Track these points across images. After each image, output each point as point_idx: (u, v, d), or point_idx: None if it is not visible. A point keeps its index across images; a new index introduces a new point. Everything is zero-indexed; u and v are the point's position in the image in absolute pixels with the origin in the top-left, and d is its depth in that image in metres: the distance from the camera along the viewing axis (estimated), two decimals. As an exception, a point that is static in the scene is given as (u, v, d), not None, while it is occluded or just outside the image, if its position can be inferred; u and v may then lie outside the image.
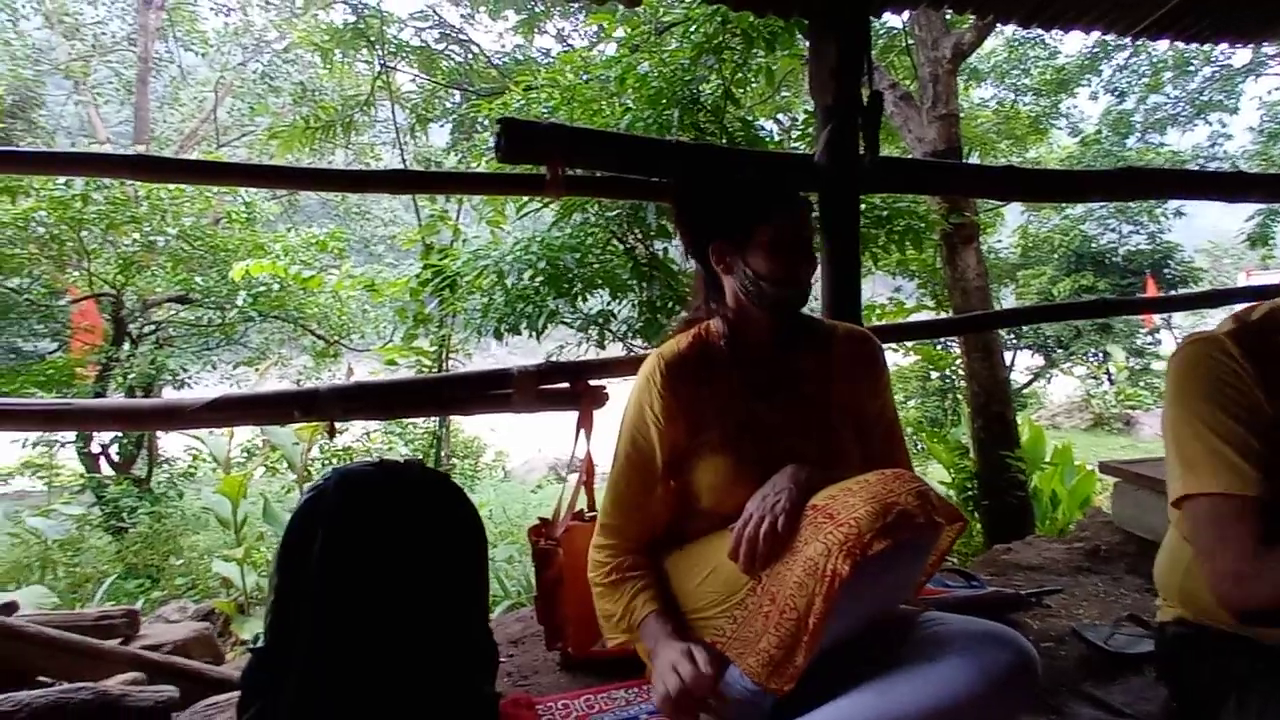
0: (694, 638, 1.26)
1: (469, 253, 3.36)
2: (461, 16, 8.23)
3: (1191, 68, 12.22)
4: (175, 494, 6.09)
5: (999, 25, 5.26)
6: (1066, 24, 2.51)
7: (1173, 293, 9.87)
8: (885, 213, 3.41)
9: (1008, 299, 10.96)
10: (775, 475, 1.24)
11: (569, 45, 8.52)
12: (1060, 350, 10.91)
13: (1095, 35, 2.75)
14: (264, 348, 7.76)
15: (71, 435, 5.74)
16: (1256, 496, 1.04)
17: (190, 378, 6.41)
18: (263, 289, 5.83)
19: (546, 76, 3.62)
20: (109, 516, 5.50)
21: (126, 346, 5.87)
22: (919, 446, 5.98)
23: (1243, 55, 12.00)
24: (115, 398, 5.48)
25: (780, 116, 5.94)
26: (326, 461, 5.78)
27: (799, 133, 3.89)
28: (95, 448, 5.91)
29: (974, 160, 7.58)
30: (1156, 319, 11.02)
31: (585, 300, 3.28)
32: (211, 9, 11.55)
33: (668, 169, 1.93)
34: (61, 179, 4.85)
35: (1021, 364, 10.91)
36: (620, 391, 1.73)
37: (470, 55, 7.87)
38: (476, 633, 1.26)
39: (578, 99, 3.24)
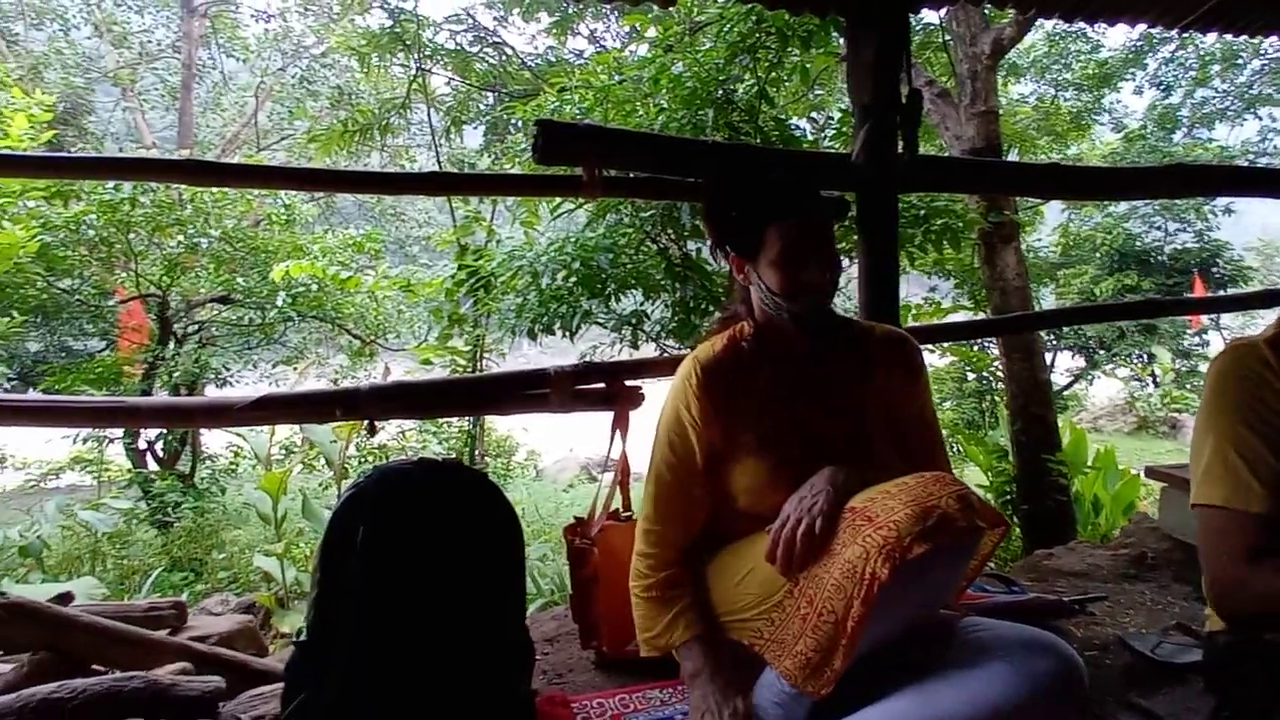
0: (736, 669, 1.27)
1: (504, 254, 3.39)
2: (495, 19, 8.29)
3: (1240, 60, 11.83)
4: (217, 490, 6.23)
5: (1040, 20, 5.16)
6: (1112, 17, 2.44)
7: (1221, 293, 9.59)
8: (922, 212, 3.36)
9: (1047, 299, 10.71)
10: (813, 477, 1.23)
11: (601, 46, 8.54)
12: (1102, 352, 10.64)
13: (1141, 28, 2.69)
14: (302, 347, 7.92)
15: (120, 431, 5.91)
16: (1259, 513, 1.09)
17: (232, 376, 6.55)
18: (301, 289, 5.94)
19: (580, 78, 3.64)
20: (155, 511, 5.65)
21: (171, 345, 6.03)
22: (956, 449, 5.88)
23: (1294, 47, 11.57)
24: (162, 396, 5.63)
25: (814, 115, 5.89)
26: (363, 459, 5.87)
27: (833, 131, 3.84)
28: (142, 444, 6.08)
29: (1013, 158, 7.44)
30: (1204, 319, 10.68)
31: (618, 300, 3.28)
32: (252, 16, 11.85)
33: (703, 169, 1.93)
34: (110, 183, 5.00)
35: (1061, 365, 10.67)
36: (656, 392, 1.73)
37: (503, 57, 7.93)
38: (513, 631, 1.28)
39: (611, 100, 3.25)
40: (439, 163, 7.42)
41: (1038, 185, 2.76)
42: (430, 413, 3.44)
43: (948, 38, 4.88)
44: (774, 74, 3.34)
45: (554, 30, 8.24)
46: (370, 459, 5.86)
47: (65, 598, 1.65)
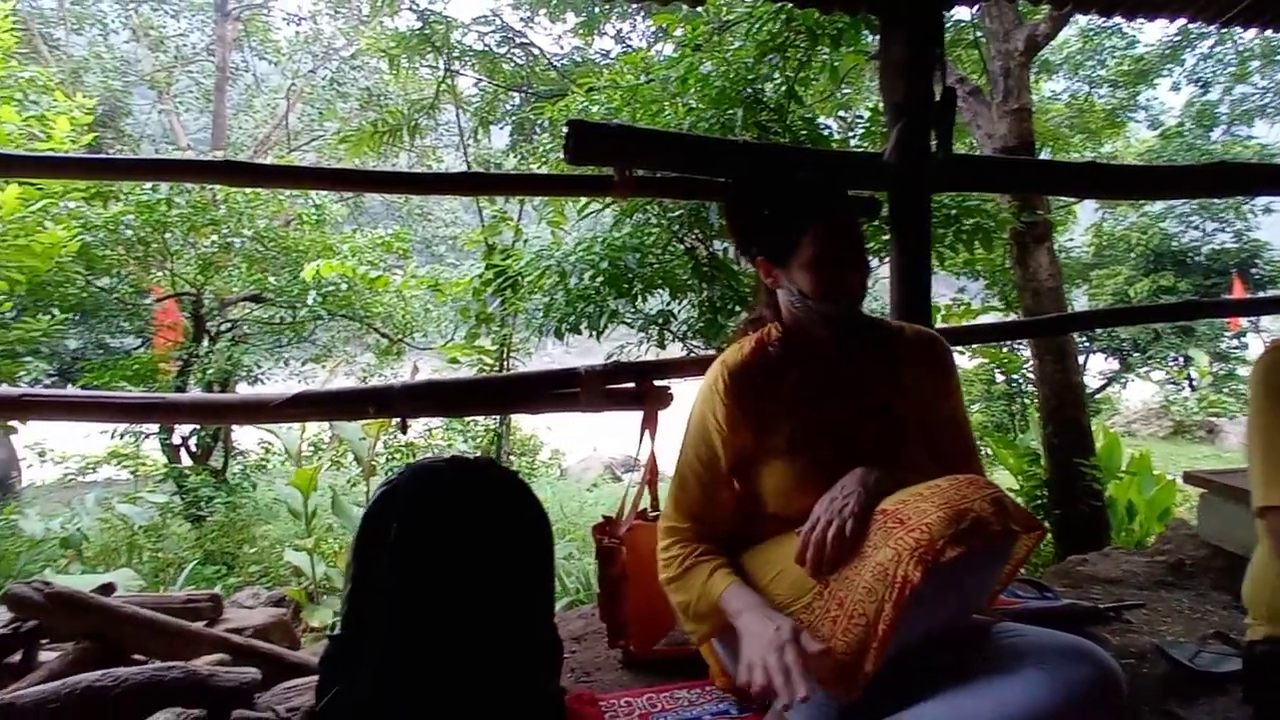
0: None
1: (532, 253, 3.40)
2: (521, 20, 8.34)
3: (1280, 57, 11.54)
4: (249, 485, 6.34)
5: (1075, 15, 5.07)
6: (1149, 12, 2.40)
7: (1261, 294, 9.35)
8: (954, 211, 3.32)
9: (1079, 300, 10.52)
10: (843, 478, 1.22)
11: (628, 46, 8.55)
12: (1136, 354, 10.43)
13: (1180, 23, 2.63)
14: (330, 345, 8.03)
15: (155, 427, 6.04)
16: None
17: (263, 374, 6.66)
18: (331, 288, 6.03)
19: (608, 78, 3.64)
20: (189, 505, 5.76)
21: (205, 343, 6.14)
22: (986, 452, 5.80)
23: (1339, 42, 11.26)
24: (196, 392, 5.75)
25: (841, 113, 5.84)
26: (390, 457, 5.94)
27: (862, 130, 3.80)
28: (176, 439, 6.20)
29: (1045, 156, 7.32)
30: (1243, 321, 10.42)
31: (645, 300, 3.28)
32: (284, 19, 12.04)
33: (732, 168, 1.92)
34: (147, 184, 5.11)
35: (1094, 368, 10.47)
36: (684, 392, 1.73)
37: (530, 58, 7.97)
38: (541, 628, 1.29)
39: (639, 100, 3.25)
40: (468, 163, 7.48)
41: (1074, 184, 2.71)
42: (460, 411, 3.47)
43: (979, 34, 4.81)
44: (803, 73, 3.32)
45: (580, 30, 8.26)
46: (398, 456, 5.92)
47: (108, 589, 1.70)
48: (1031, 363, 4.87)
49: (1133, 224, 10.69)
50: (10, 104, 4.49)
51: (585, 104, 3.49)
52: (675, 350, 3.42)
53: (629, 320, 3.38)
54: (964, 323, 4.42)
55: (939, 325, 3.14)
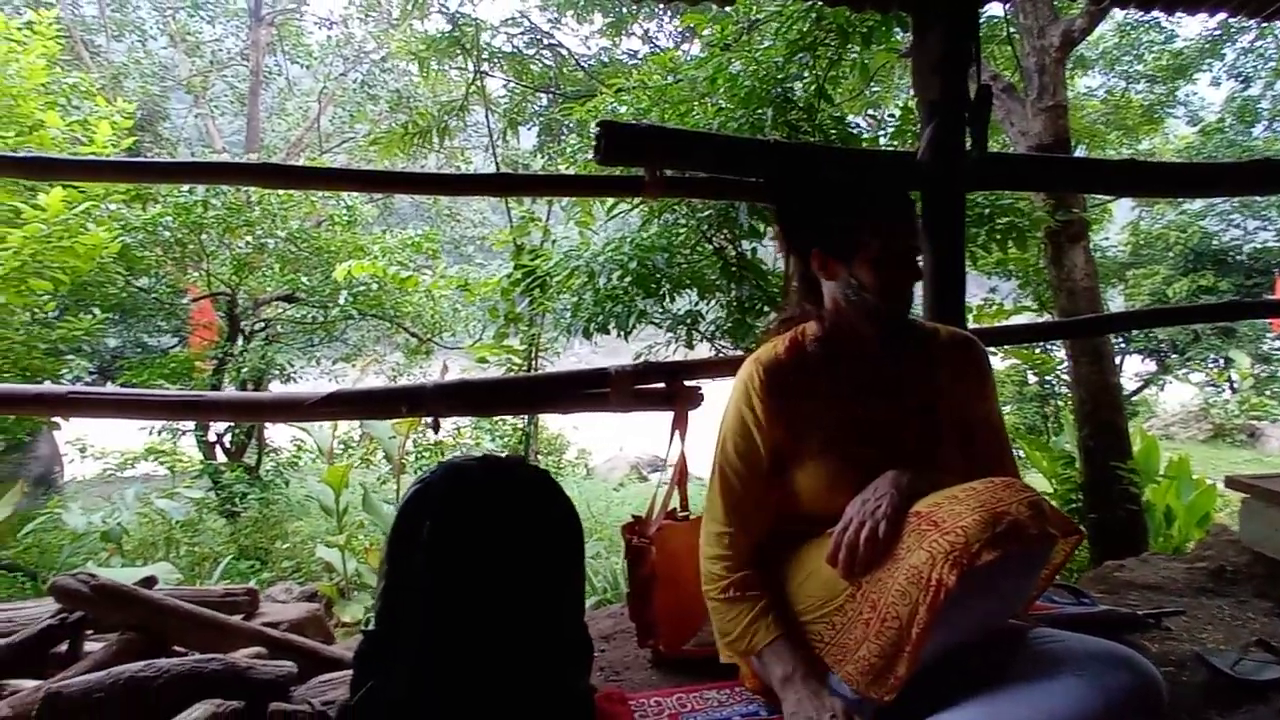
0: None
1: (561, 254, 3.42)
2: (549, 21, 8.38)
3: (1323, 52, 11.18)
4: (281, 482, 6.45)
5: (1113, 10, 4.95)
6: (1190, 7, 2.35)
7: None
8: (987, 210, 3.27)
9: (1115, 300, 10.30)
10: (876, 480, 1.22)
11: (655, 46, 8.55)
12: (1175, 356, 10.18)
13: (1219, 18, 2.57)
14: (360, 344, 8.15)
15: (192, 424, 6.16)
16: None
17: (295, 372, 6.78)
18: (362, 288, 6.12)
19: (636, 78, 3.65)
20: (224, 501, 5.88)
21: (240, 342, 6.26)
22: (1019, 454, 5.71)
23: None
24: (231, 390, 5.86)
25: (871, 112, 5.78)
26: (420, 455, 6.01)
27: (893, 128, 3.76)
28: (212, 436, 6.33)
29: (1080, 153, 7.17)
30: (1287, 322, 10.12)
31: (673, 300, 3.28)
32: (315, 23, 12.25)
33: (763, 168, 1.92)
34: (185, 186, 5.22)
35: (1130, 370, 10.24)
36: (714, 392, 1.73)
37: (558, 59, 8.00)
38: (571, 627, 1.29)
39: (668, 100, 3.25)
40: (496, 164, 7.53)
41: (1111, 182, 2.66)
42: (491, 410, 3.50)
43: (1013, 30, 4.73)
44: (833, 72, 3.29)
45: (608, 31, 8.28)
46: (427, 455, 5.99)
47: (149, 581, 1.74)
48: (1066, 364, 4.78)
49: (1171, 222, 10.43)
50: (55, 109, 4.62)
51: (614, 104, 3.50)
52: (703, 350, 3.41)
53: (657, 320, 3.38)
54: (996, 323, 4.35)
55: (971, 326, 3.09)
